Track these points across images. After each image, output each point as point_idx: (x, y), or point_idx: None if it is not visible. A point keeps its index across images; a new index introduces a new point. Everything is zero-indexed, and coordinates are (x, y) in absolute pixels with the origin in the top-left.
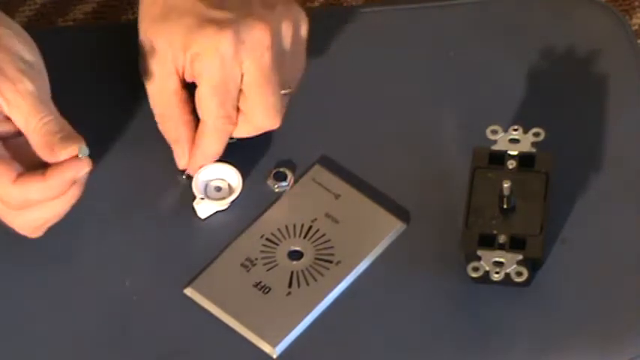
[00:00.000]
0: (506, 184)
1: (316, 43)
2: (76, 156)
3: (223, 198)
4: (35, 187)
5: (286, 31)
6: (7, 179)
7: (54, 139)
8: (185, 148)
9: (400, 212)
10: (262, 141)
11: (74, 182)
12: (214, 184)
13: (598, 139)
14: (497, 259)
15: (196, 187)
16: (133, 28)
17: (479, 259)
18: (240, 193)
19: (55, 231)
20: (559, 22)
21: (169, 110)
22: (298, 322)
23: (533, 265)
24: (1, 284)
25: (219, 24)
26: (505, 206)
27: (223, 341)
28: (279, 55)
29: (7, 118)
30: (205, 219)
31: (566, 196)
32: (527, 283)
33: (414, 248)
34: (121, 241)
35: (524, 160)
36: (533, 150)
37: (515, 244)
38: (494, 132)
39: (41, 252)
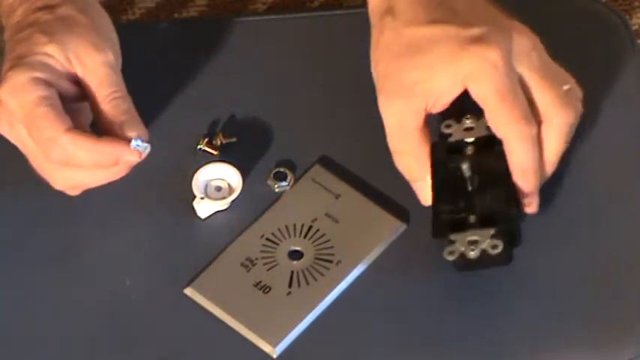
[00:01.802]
0: (464, 166)
1: (316, 43)
2: (129, 142)
3: (223, 198)
4: (84, 145)
5: (538, 43)
6: (59, 127)
7: (119, 117)
8: (426, 183)
9: (400, 212)
10: (262, 141)
11: (119, 163)
12: (214, 183)
13: (598, 138)
14: (470, 239)
15: (196, 186)
16: (133, 28)
17: (452, 242)
18: (240, 193)
19: (55, 231)
20: (559, 22)
21: (410, 146)
22: (298, 322)
23: (510, 241)
24: (1, 284)
25: (479, 40)
26: (470, 188)
27: (223, 341)
28: (546, 56)
29: (76, 83)
30: (205, 219)
31: (566, 196)
32: (505, 257)
33: (414, 248)
34: (121, 241)
35: (483, 143)
36: (489, 132)
37: (487, 222)
38: (449, 126)
39: (41, 252)
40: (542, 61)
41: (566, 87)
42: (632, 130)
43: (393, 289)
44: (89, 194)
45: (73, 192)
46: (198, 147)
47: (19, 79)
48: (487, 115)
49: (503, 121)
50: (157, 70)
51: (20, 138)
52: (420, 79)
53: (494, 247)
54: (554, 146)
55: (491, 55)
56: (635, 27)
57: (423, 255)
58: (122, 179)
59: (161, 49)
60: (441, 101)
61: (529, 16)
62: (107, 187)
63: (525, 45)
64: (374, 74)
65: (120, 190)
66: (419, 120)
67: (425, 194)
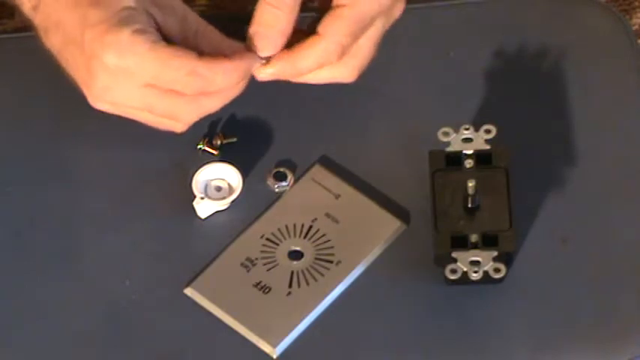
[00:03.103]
0: (470, 184)
1: None
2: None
3: (223, 198)
4: (222, 68)
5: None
6: (192, 58)
7: (220, 42)
8: (278, 39)
9: (400, 212)
10: (262, 141)
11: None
12: (214, 183)
13: (598, 138)
14: (473, 259)
15: (196, 186)
16: None
17: (454, 261)
18: (240, 193)
19: (55, 231)
20: (559, 22)
21: (283, 2)
22: (298, 322)
23: (506, 260)
24: (1, 284)
25: None
26: (470, 205)
27: (223, 341)
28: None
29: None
30: (205, 219)
31: (566, 196)
32: (503, 278)
33: (414, 248)
34: (121, 241)
35: (481, 157)
36: (488, 147)
37: (487, 241)
38: (446, 134)
39: (41, 252)
40: (385, 30)
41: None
42: (632, 130)
43: (393, 289)
44: (89, 194)
45: (184, 127)
46: (199, 147)
47: (122, 37)
48: (334, 10)
49: (336, 31)
50: None
51: (143, 97)
52: None
53: (497, 270)
54: (316, 77)
55: None
56: (635, 27)
57: (423, 255)
58: (122, 179)
59: None
60: None
61: (529, 17)
62: (107, 186)
63: (396, 15)
64: None
65: (120, 190)
66: None
67: (265, 44)
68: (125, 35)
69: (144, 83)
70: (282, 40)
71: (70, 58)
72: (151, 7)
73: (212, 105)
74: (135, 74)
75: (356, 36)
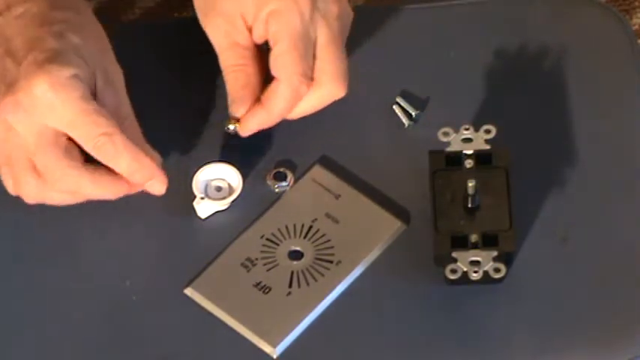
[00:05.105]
0: (470, 184)
1: None
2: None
3: (223, 198)
4: (134, 151)
5: (345, 17)
6: (113, 123)
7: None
8: (250, 96)
9: (400, 212)
10: (262, 141)
11: (144, 184)
12: (214, 184)
13: (598, 138)
14: (473, 259)
15: (196, 186)
16: (132, 28)
17: (454, 260)
18: (240, 193)
19: (55, 230)
20: (559, 22)
21: (243, 61)
22: (298, 322)
23: (506, 259)
24: (1, 284)
25: None
26: (470, 205)
27: (223, 341)
28: (341, 31)
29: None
30: (205, 219)
31: (566, 196)
32: (503, 278)
33: (414, 248)
34: (121, 241)
35: (481, 157)
36: (488, 147)
37: (487, 241)
38: (446, 134)
39: (41, 251)
40: (338, 32)
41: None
42: (632, 130)
43: (393, 289)
44: None
45: (30, 200)
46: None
47: (63, 73)
48: (273, 52)
49: (285, 66)
50: (156, 69)
51: (39, 136)
52: (236, 7)
53: (497, 270)
54: (307, 109)
55: (302, 1)
56: (635, 27)
57: (423, 255)
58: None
59: (161, 49)
60: (258, 33)
61: (529, 17)
62: None
63: (332, 10)
64: (195, 3)
65: None
66: (247, 40)
67: (243, 102)
68: (66, 72)
69: (54, 125)
70: (248, 96)
71: (1, 69)
72: (98, 72)
73: (62, 198)
74: (54, 111)
75: (306, 58)
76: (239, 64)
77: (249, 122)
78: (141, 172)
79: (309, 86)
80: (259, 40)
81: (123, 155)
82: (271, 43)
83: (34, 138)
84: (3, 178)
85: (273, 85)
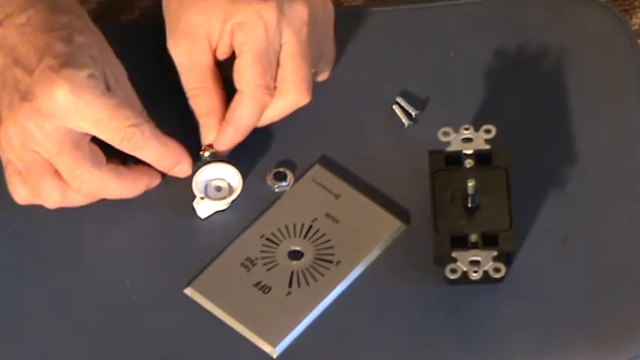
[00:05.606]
0: (470, 183)
1: None
2: None
3: (223, 198)
4: (165, 140)
5: (320, 13)
6: (140, 114)
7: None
8: (216, 120)
9: (400, 212)
10: (262, 141)
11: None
12: (214, 183)
13: (598, 138)
14: (473, 259)
15: (196, 186)
16: (132, 28)
17: (454, 260)
18: (240, 193)
19: (55, 231)
20: (559, 22)
21: (203, 84)
22: (298, 322)
23: (506, 259)
24: (1, 284)
25: None
26: (470, 205)
27: (223, 341)
28: (312, 34)
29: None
30: (205, 219)
31: (566, 196)
32: (503, 278)
33: (414, 248)
34: (121, 241)
35: (481, 157)
36: (488, 147)
37: (487, 241)
38: (446, 134)
39: (41, 252)
40: (306, 37)
41: (312, 70)
42: (632, 130)
43: (393, 289)
44: None
45: (51, 205)
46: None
47: (80, 74)
48: (236, 63)
49: (248, 79)
50: (156, 69)
51: (61, 139)
52: (201, 22)
53: (497, 270)
54: (273, 116)
55: (267, 13)
56: (635, 27)
57: (423, 255)
58: None
59: (161, 49)
60: (221, 46)
61: (529, 17)
62: None
63: (300, 16)
64: (165, 16)
65: None
66: (209, 60)
67: (211, 129)
68: (83, 74)
69: (78, 127)
70: (213, 123)
71: (11, 80)
72: (107, 71)
73: (81, 200)
74: (78, 113)
75: (269, 69)
76: (200, 87)
77: (220, 143)
78: (169, 157)
79: (272, 96)
80: (224, 56)
81: (152, 143)
82: (237, 54)
83: (56, 143)
84: (12, 187)
85: (236, 99)
